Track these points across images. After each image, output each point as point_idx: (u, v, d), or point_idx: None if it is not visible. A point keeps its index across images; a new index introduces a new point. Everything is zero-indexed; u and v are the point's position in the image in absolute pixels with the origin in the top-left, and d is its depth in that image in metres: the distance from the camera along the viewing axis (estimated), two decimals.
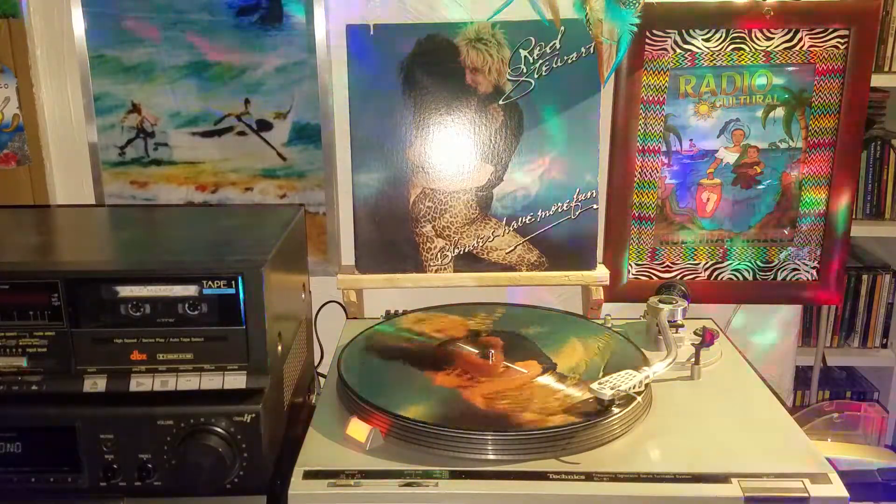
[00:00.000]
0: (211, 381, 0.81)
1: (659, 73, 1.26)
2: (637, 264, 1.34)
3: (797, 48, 1.24)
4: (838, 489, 0.75)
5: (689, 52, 1.25)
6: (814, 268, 1.33)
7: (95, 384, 0.81)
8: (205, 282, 0.79)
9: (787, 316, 1.44)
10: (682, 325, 1.06)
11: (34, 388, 0.81)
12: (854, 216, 1.34)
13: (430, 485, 0.75)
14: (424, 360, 0.97)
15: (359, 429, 0.83)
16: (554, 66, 1.23)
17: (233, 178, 1.33)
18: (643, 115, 1.28)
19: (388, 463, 0.79)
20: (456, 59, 1.23)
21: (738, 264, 1.33)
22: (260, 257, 0.82)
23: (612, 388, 0.84)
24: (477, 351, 0.99)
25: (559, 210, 1.26)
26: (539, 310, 1.20)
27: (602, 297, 1.28)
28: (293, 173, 1.33)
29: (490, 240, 1.28)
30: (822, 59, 1.25)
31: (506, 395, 0.88)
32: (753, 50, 1.25)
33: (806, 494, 0.74)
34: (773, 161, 1.29)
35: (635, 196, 1.31)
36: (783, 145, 1.28)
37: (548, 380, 0.91)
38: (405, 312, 1.15)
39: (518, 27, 1.22)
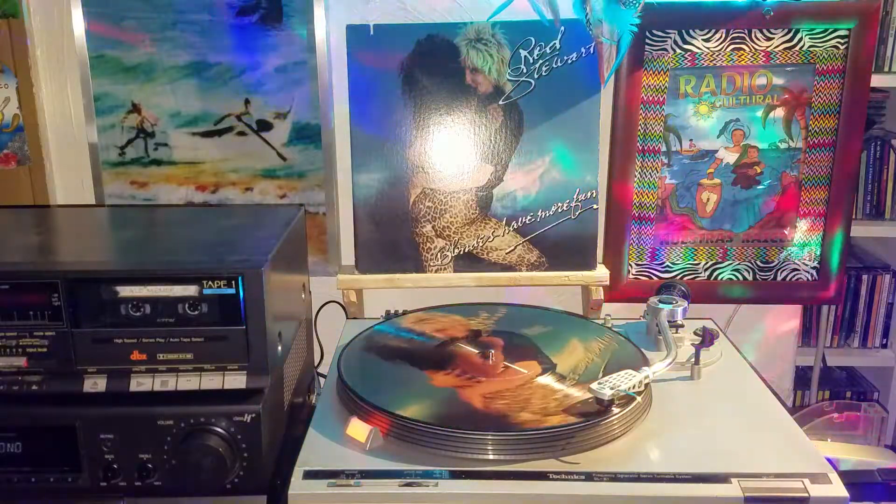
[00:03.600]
0: (211, 381, 0.81)
1: (659, 73, 1.26)
2: (637, 264, 1.34)
3: (797, 48, 1.24)
4: (838, 489, 0.75)
5: (689, 52, 1.25)
6: (814, 268, 1.33)
7: (95, 384, 0.81)
8: (205, 282, 0.79)
9: (786, 316, 1.44)
10: (682, 325, 1.06)
11: (34, 388, 0.81)
12: (854, 216, 1.34)
13: (430, 485, 0.75)
14: (424, 360, 0.97)
15: (359, 429, 0.83)
16: (554, 66, 1.23)
17: (233, 178, 1.33)
18: (643, 115, 1.28)
19: (388, 463, 0.79)
20: (456, 59, 1.23)
21: (738, 264, 1.33)
22: (260, 257, 0.82)
23: (611, 388, 0.84)
24: (477, 351, 0.99)
25: (559, 210, 1.26)
26: (539, 310, 1.20)
27: (602, 297, 1.28)
28: (293, 173, 1.33)
29: (490, 240, 1.27)
30: (822, 59, 1.25)
31: (504, 395, 0.88)
32: (753, 50, 1.24)
33: (806, 494, 0.74)
34: (773, 161, 1.29)
35: (635, 196, 1.31)
36: (783, 145, 1.28)
37: (548, 380, 0.91)
38: (405, 312, 1.15)
39: (518, 27, 1.22)
